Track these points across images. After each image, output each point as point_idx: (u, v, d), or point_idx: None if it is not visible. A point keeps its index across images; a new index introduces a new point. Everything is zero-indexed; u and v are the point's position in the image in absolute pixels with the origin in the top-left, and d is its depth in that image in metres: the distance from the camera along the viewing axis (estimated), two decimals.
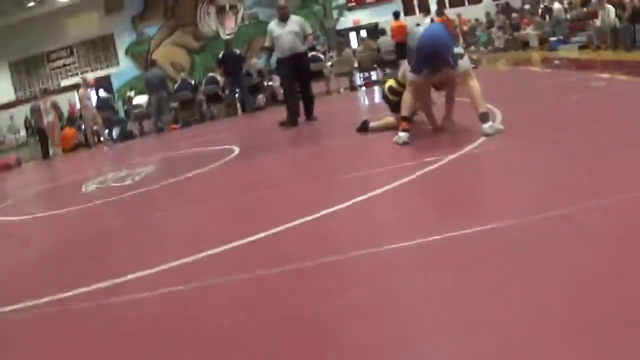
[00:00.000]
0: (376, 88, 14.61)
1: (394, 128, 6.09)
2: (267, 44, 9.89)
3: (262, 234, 3.54)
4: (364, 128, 6.80)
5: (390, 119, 6.44)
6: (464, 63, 5.46)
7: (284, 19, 9.66)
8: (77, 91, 24.68)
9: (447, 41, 5.31)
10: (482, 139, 4.96)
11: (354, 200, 3.88)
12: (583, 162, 3.86)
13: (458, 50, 5.53)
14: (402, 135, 5.53)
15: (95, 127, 15.73)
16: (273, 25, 9.72)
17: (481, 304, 2.15)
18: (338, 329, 2.21)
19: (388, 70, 15.45)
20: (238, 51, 15.64)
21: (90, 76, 24.91)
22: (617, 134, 4.40)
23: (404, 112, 5.62)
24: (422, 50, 5.28)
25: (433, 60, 5.26)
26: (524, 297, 2.13)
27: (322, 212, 3.73)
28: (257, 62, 18.43)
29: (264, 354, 2.12)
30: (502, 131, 5.08)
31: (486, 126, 5.05)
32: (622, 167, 3.48)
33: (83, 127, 16.21)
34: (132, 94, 21.48)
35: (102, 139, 15.63)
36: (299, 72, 9.67)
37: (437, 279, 2.46)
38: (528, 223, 2.83)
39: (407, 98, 5.64)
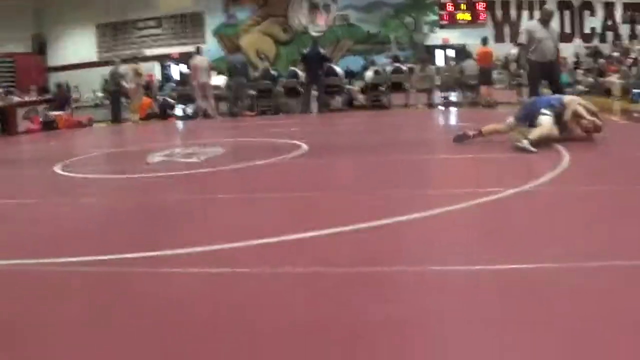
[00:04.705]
0: (452, 109, 14.41)
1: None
2: (524, 41, 9.24)
3: (312, 233, 3.61)
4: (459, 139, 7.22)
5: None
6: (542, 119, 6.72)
7: (545, 23, 9.28)
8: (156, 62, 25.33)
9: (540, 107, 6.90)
10: (549, 176, 5.02)
11: (401, 218, 3.90)
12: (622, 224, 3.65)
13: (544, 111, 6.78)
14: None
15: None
16: (535, 26, 9.31)
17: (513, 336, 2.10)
18: (366, 340, 2.20)
19: (469, 94, 15.25)
20: (322, 50, 15.56)
21: (175, 50, 25.29)
22: None
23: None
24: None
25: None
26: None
27: (372, 223, 3.76)
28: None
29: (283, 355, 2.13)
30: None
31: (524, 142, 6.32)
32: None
33: (159, 98, 16.49)
34: (213, 73, 21.69)
35: (209, 111, 15.54)
36: (549, 80, 9.30)
37: (474, 308, 2.43)
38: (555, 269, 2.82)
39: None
